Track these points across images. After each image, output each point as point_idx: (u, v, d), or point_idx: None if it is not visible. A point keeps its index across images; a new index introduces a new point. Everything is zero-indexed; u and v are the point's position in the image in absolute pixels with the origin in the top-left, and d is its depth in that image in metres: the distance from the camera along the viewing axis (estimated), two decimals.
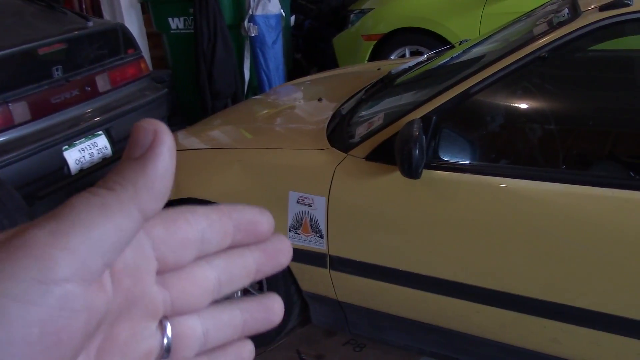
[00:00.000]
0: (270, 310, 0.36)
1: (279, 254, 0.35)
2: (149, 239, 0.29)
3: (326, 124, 2.35)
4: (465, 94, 1.86)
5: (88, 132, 3.38)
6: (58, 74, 3.33)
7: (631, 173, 1.89)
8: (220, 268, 0.33)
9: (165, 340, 0.31)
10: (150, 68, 4.58)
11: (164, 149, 0.28)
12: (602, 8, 1.76)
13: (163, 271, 0.30)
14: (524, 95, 2.06)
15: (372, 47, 4.99)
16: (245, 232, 0.33)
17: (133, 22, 5.41)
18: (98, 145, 3.41)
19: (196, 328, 0.32)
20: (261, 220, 0.34)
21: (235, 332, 0.35)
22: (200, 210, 0.31)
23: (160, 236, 0.29)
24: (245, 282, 0.34)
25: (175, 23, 5.02)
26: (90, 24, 3.66)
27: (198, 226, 0.31)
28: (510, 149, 2.01)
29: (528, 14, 2.47)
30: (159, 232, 0.29)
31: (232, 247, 0.33)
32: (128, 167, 0.27)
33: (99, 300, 0.26)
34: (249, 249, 0.34)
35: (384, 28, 4.91)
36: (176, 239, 0.30)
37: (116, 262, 0.27)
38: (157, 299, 0.30)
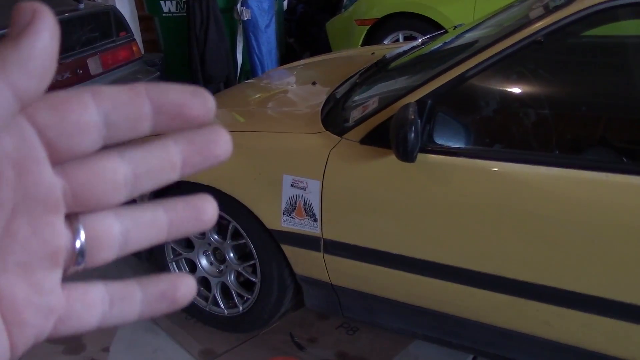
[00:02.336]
0: (201, 209, 0.32)
1: (210, 144, 0.30)
2: (32, 125, 0.26)
3: (320, 108, 2.35)
4: (461, 78, 1.86)
5: None
6: None
7: (624, 157, 1.90)
8: (135, 159, 0.29)
9: (79, 243, 0.28)
10: (142, 52, 4.55)
11: (42, 26, 0.25)
12: None
13: (58, 158, 0.27)
14: (519, 79, 2.06)
15: (365, 31, 4.98)
16: (170, 115, 0.29)
17: (125, 5, 5.38)
18: None
19: (112, 227, 0.29)
20: (191, 101, 0.29)
21: (160, 233, 0.31)
22: (105, 90, 0.28)
23: (45, 120, 0.26)
24: (170, 176, 0.30)
25: (167, 6, 4.99)
26: (82, 6, 3.63)
27: (99, 107, 0.27)
28: (504, 133, 2.01)
29: None
30: (44, 116, 0.26)
31: (155, 135, 0.30)
32: (1, 45, 0.25)
33: None
34: (174, 139, 0.30)
35: (378, 13, 4.89)
36: (68, 122, 0.26)
37: None
38: (54, 189, 0.27)
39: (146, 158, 0.29)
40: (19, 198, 0.26)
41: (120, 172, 0.29)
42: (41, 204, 0.27)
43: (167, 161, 0.30)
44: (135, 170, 0.29)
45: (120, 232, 0.30)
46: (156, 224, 0.31)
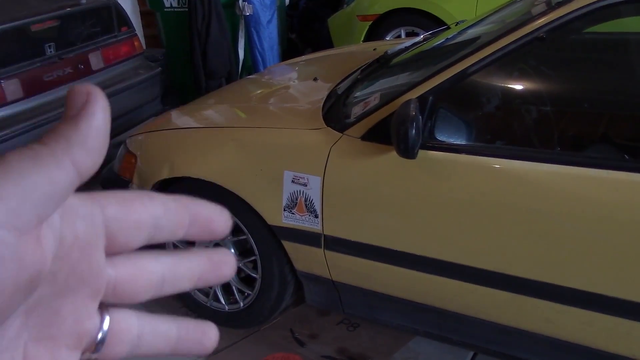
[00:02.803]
0: (205, 335, 0.36)
1: (223, 265, 0.35)
2: (102, 215, 0.29)
3: (322, 104, 2.34)
4: (462, 75, 1.86)
5: None
6: (51, 52, 3.30)
7: (626, 155, 1.89)
8: (167, 265, 0.33)
9: (101, 333, 0.31)
10: (144, 47, 4.54)
11: (97, 107, 0.28)
12: None
13: (112, 251, 0.30)
14: (521, 76, 2.06)
15: (367, 27, 4.96)
16: (200, 227, 0.33)
17: (126, 0, 5.36)
18: None
19: (133, 327, 0.32)
20: (218, 219, 0.34)
21: (167, 346, 0.34)
22: (158, 196, 0.31)
23: (114, 214, 0.29)
24: (187, 285, 0.34)
25: (169, 1, 4.97)
26: (84, 1, 3.62)
27: (154, 211, 0.31)
28: (506, 130, 2.01)
29: None
30: (113, 210, 0.29)
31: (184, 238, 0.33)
32: (62, 125, 0.28)
33: (32, 253, 0.26)
34: (196, 254, 0.34)
35: (380, 9, 4.88)
36: (130, 220, 0.30)
37: (67, 233, 0.27)
38: (103, 277, 0.30)
39: (176, 266, 0.33)
40: (73, 279, 0.29)
41: (157, 274, 0.32)
42: (88, 288, 0.29)
43: (190, 272, 0.34)
44: (164, 275, 0.33)
45: (137, 334, 0.33)
46: (167, 336, 0.34)
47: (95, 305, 0.30)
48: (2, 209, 0.25)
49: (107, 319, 0.31)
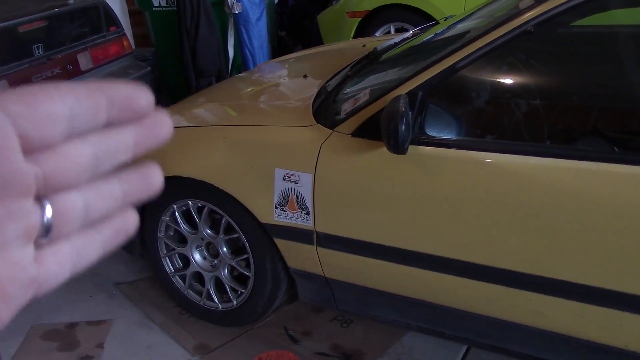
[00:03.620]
0: (149, 177, 0.37)
1: (156, 126, 0.35)
2: (6, 115, 0.28)
3: (312, 101, 2.34)
4: (451, 70, 1.86)
5: None
6: (39, 53, 3.29)
7: (615, 147, 1.90)
8: (95, 143, 0.32)
9: (45, 220, 0.31)
10: (133, 46, 4.52)
11: None
12: None
13: (30, 147, 0.29)
14: (510, 70, 2.06)
15: (356, 24, 4.97)
16: (120, 107, 0.33)
17: (115, 0, 5.34)
18: None
19: (76, 202, 0.33)
20: (136, 95, 0.33)
21: (116, 202, 0.35)
22: (66, 85, 0.31)
23: (18, 111, 0.28)
24: (125, 156, 0.34)
25: (158, 0, 4.96)
26: (71, 1, 3.60)
27: (64, 100, 0.30)
28: (496, 124, 2.02)
29: None
30: (17, 107, 0.28)
31: (109, 124, 0.33)
32: None
33: None
34: (126, 125, 0.34)
35: (369, 5, 4.88)
36: (38, 113, 0.29)
37: None
38: (27, 175, 0.29)
39: (104, 141, 0.33)
40: None
41: (85, 155, 0.32)
42: (15, 189, 0.29)
43: (122, 143, 0.34)
44: (96, 153, 0.32)
45: (83, 205, 0.33)
46: (112, 195, 0.35)
47: (30, 201, 0.30)
48: None
49: (48, 207, 0.31)
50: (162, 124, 0.36)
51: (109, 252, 0.37)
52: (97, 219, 0.35)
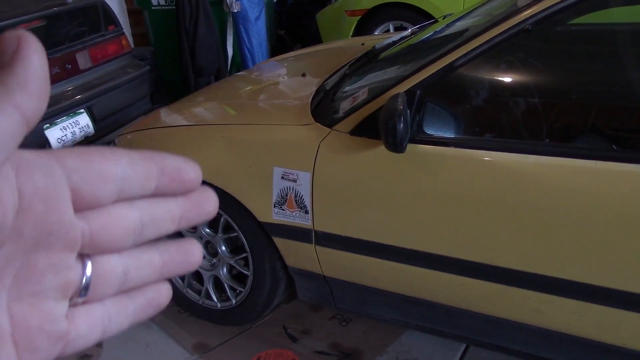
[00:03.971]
0: (189, 252, 0.37)
1: (204, 202, 0.35)
2: (62, 168, 0.29)
3: (310, 100, 2.34)
4: (449, 68, 1.86)
5: (69, 110, 3.34)
6: None
7: (614, 145, 1.90)
8: (142, 209, 0.33)
9: (84, 279, 0.31)
10: (132, 45, 4.52)
11: (31, 50, 0.27)
12: None
13: (80, 204, 0.30)
14: (508, 68, 2.06)
15: (355, 22, 4.97)
16: (170, 177, 0.33)
17: None
18: (80, 124, 3.37)
19: (116, 266, 0.33)
20: (187, 167, 0.34)
21: (154, 273, 0.35)
22: (121, 150, 0.31)
23: (74, 166, 0.29)
24: (169, 227, 0.34)
25: None
26: (70, 0, 3.60)
27: (118, 162, 0.31)
28: (494, 122, 2.01)
29: None
30: (73, 162, 0.29)
31: (157, 193, 0.34)
32: None
33: None
34: (174, 196, 0.34)
35: (368, 3, 4.88)
36: (92, 171, 0.30)
37: (26, 187, 0.27)
38: (75, 229, 0.30)
39: (152, 208, 0.33)
40: (43, 233, 0.28)
41: (131, 220, 0.32)
42: (61, 241, 0.29)
43: (169, 213, 0.34)
44: (142, 219, 0.33)
45: (123, 271, 0.33)
46: (152, 265, 0.35)
47: (73, 256, 0.30)
48: None
49: (89, 266, 0.31)
50: (209, 201, 0.36)
51: (137, 322, 0.36)
52: (134, 286, 0.35)
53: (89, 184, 0.29)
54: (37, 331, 0.29)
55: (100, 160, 0.30)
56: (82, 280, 0.31)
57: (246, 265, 2.41)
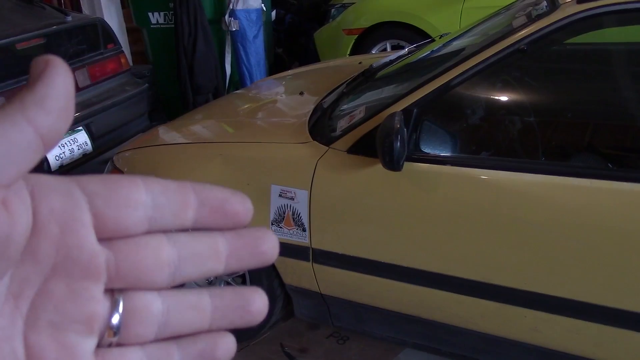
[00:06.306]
0: (249, 300, 0.32)
1: (257, 240, 0.31)
2: (83, 192, 0.27)
3: (308, 118, 2.35)
4: (446, 87, 1.87)
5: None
6: None
7: (609, 164, 1.91)
8: (180, 242, 0.30)
9: (116, 316, 0.28)
10: (131, 63, 4.54)
11: (54, 71, 0.26)
12: (580, 0, 1.78)
13: (104, 230, 0.28)
14: (504, 87, 2.08)
15: (353, 41, 5.00)
16: (212, 208, 0.30)
17: (112, 17, 5.38)
18: (78, 141, 3.38)
19: (152, 304, 0.29)
20: (232, 199, 0.30)
21: (202, 318, 0.31)
22: (155, 178, 0.29)
23: (96, 190, 0.27)
24: (214, 266, 0.30)
25: (156, 18, 4.99)
26: (69, 18, 3.62)
27: (149, 189, 0.28)
28: (490, 141, 2.03)
29: (507, 7, 2.49)
30: (95, 187, 0.27)
31: (198, 226, 0.30)
32: (18, 91, 0.26)
33: None
34: (221, 232, 0.31)
35: (365, 22, 4.92)
36: (117, 196, 0.28)
37: (41, 207, 0.26)
38: (97, 257, 0.27)
39: (192, 242, 0.30)
40: (60, 257, 0.27)
41: (165, 251, 0.29)
42: (82, 268, 0.27)
43: (213, 250, 0.30)
44: (180, 253, 0.29)
45: (161, 311, 0.30)
46: (199, 308, 0.31)
47: (98, 288, 0.28)
48: None
49: (120, 301, 0.29)
50: (264, 240, 0.31)
51: None
52: (180, 331, 0.31)
53: (113, 210, 0.27)
54: None
55: (127, 185, 0.28)
56: (110, 316, 0.28)
57: (243, 283, 2.41)
